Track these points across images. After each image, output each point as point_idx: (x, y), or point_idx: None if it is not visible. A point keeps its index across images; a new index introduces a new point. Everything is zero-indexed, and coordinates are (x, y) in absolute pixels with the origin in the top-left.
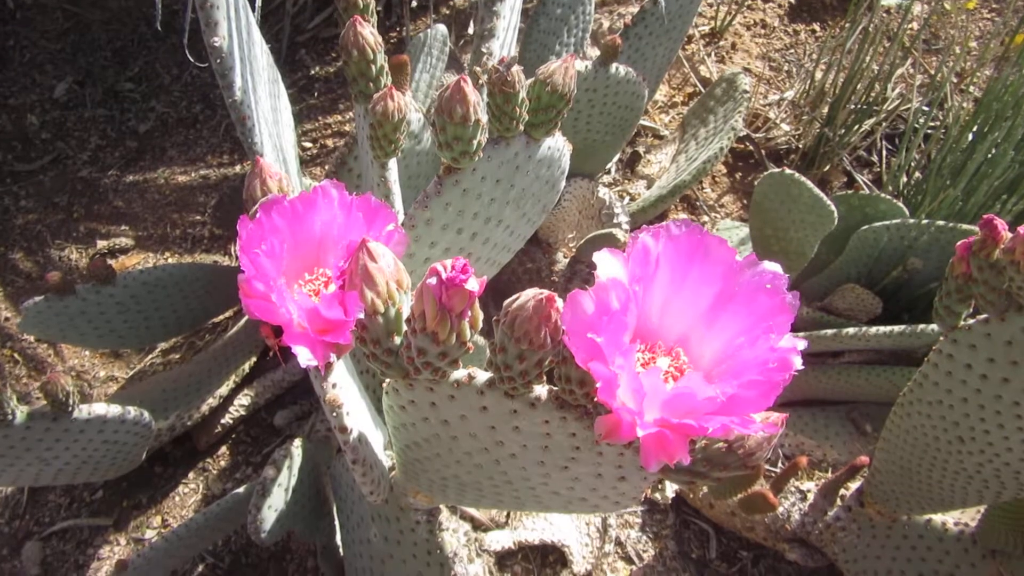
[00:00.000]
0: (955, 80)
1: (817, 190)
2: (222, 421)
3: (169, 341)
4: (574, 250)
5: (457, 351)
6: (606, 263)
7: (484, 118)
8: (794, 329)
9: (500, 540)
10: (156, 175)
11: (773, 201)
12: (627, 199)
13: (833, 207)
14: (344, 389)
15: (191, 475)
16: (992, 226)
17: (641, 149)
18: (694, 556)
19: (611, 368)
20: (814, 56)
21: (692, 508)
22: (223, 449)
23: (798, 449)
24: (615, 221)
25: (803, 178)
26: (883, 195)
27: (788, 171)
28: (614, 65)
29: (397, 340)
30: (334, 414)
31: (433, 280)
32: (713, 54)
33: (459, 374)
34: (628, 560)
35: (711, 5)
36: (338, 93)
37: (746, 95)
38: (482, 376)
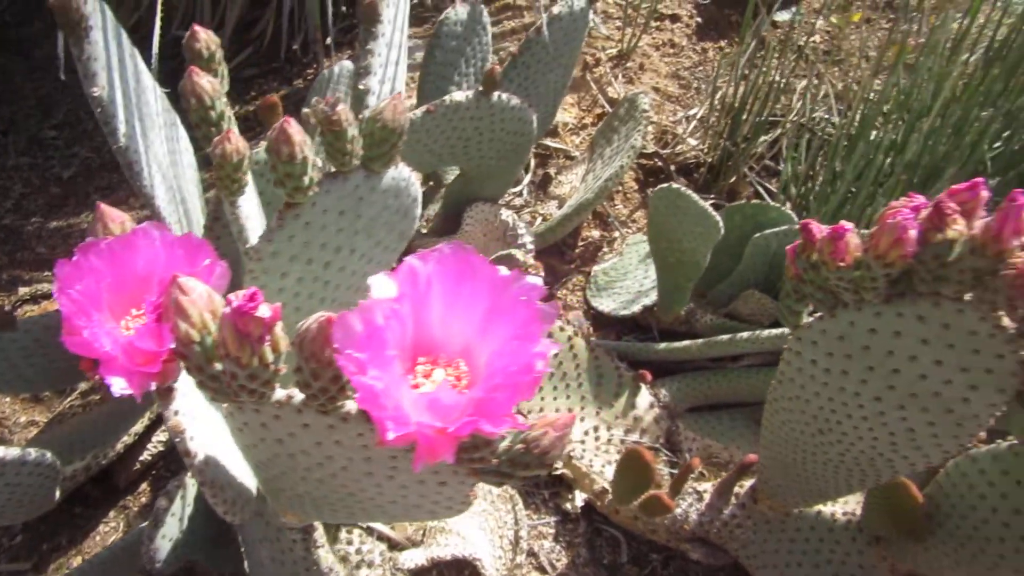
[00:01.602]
0: (855, 88)
1: (702, 202)
2: (140, 458)
3: (86, 382)
4: None
5: (264, 373)
6: (380, 285)
7: (312, 155)
8: (699, 335)
9: (414, 558)
10: (80, 220)
11: (664, 215)
12: (539, 219)
13: (717, 218)
14: (191, 415)
15: (112, 514)
16: (807, 229)
17: (552, 171)
18: (606, 562)
19: (367, 380)
20: (722, 72)
21: (602, 516)
22: (144, 486)
23: (706, 452)
24: (520, 242)
25: (688, 191)
26: (773, 203)
27: (675, 185)
28: (496, 94)
29: (218, 366)
30: (178, 439)
31: (227, 309)
32: (621, 75)
33: (279, 395)
34: (542, 570)
35: (618, 28)
36: (256, 131)
37: (646, 114)
38: (299, 395)
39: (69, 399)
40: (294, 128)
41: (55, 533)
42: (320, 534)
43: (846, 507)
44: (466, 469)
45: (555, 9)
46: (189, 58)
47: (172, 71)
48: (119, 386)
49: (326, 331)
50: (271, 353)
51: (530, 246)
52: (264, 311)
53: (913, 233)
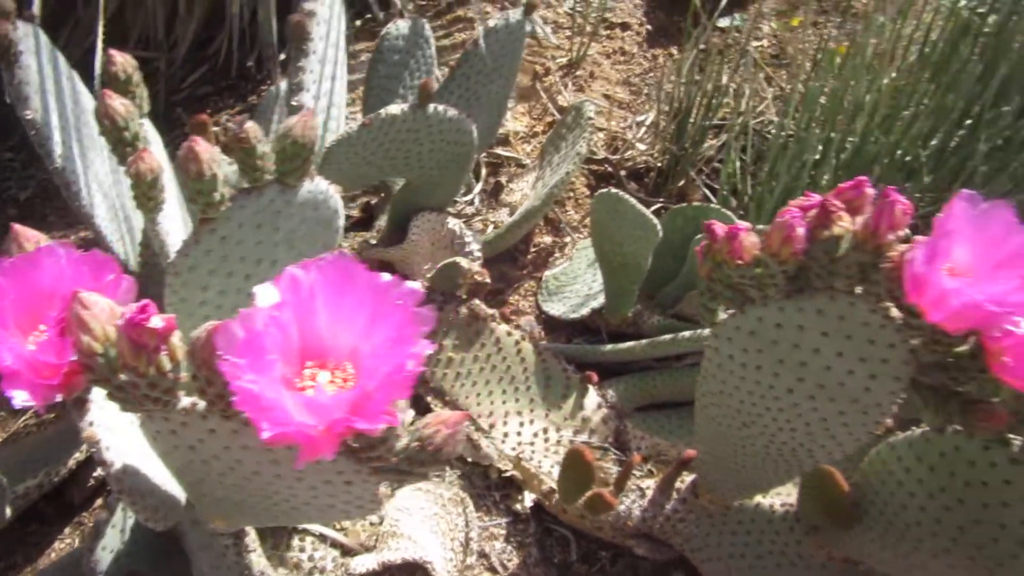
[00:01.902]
0: (802, 91)
1: (639, 206)
2: (95, 474)
3: None
4: (429, 280)
5: (164, 382)
6: (263, 294)
7: (221, 172)
8: (646, 336)
9: (365, 563)
10: None
11: (606, 219)
12: (491, 227)
13: (655, 221)
14: (106, 426)
15: (67, 531)
16: (710, 230)
17: (504, 179)
18: (556, 561)
19: (244, 383)
20: (672, 78)
21: (552, 516)
22: (99, 501)
23: (654, 450)
24: (467, 250)
25: (626, 196)
26: (713, 205)
27: (614, 190)
28: (432, 106)
29: (123, 377)
30: (94, 450)
31: (121, 321)
32: (571, 84)
33: (185, 402)
34: (493, 571)
35: (568, 38)
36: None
37: (591, 121)
38: (203, 402)
39: (23, 419)
40: (201, 147)
41: (10, 552)
42: (252, 539)
43: (784, 498)
44: (367, 468)
45: (491, 22)
46: (106, 81)
47: None
48: (20, 399)
49: (214, 339)
50: (168, 362)
51: (477, 253)
52: (156, 322)
53: (801, 231)
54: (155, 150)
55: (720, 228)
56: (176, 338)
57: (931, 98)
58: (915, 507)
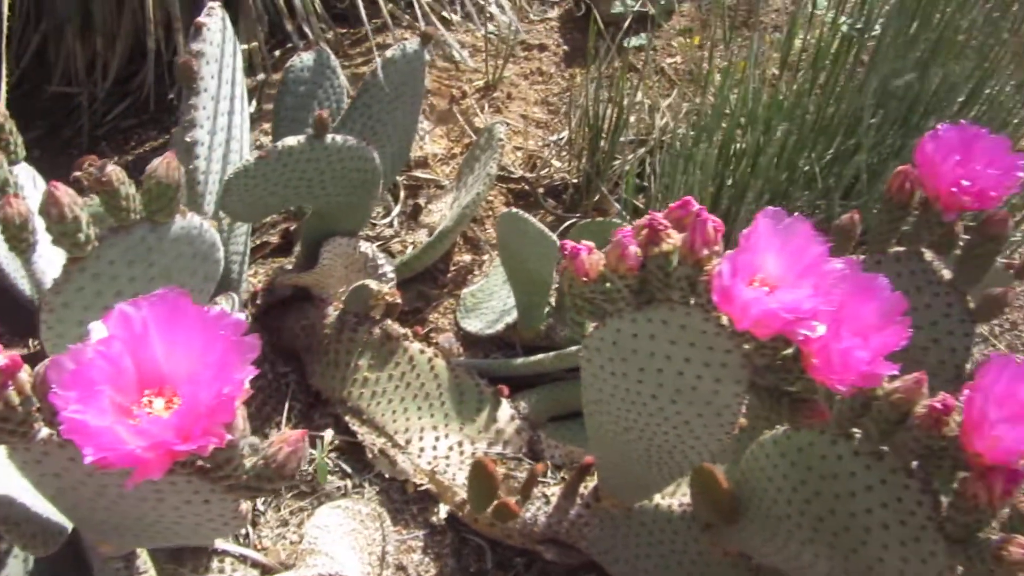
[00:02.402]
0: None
1: (539, 224)
2: None
3: None
4: (343, 302)
5: (15, 415)
6: (95, 329)
7: (83, 214)
8: (557, 348)
9: None
10: None
11: (510, 237)
12: (410, 248)
13: (554, 238)
14: None
15: None
16: (562, 248)
17: (423, 200)
18: (472, 570)
19: (69, 414)
20: (589, 96)
21: (467, 526)
22: None
23: (569, 458)
24: (380, 272)
25: (526, 215)
26: (616, 220)
27: (514, 210)
28: (330, 136)
29: None
30: None
31: None
32: (488, 106)
33: (43, 433)
34: None
35: (484, 61)
36: (137, 179)
37: (501, 142)
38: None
39: None
40: (61, 191)
41: None
42: (143, 560)
43: (682, 499)
44: (221, 486)
45: (388, 53)
46: None
47: (52, 127)
48: None
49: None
50: (16, 397)
51: (390, 275)
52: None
53: (633, 249)
54: (32, 193)
55: (573, 247)
56: (25, 373)
57: (818, 110)
58: (783, 501)
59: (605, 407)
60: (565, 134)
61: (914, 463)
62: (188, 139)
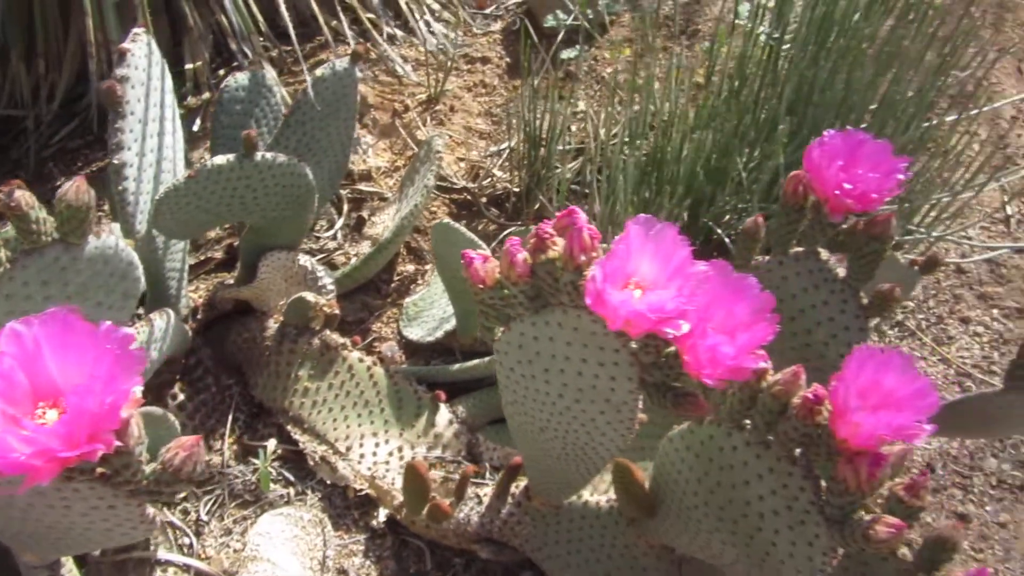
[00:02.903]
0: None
1: (468, 233)
2: None
3: None
4: (283, 315)
5: None
6: None
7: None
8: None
9: None
10: None
11: (443, 247)
12: (354, 260)
13: (482, 245)
14: None
15: None
16: (462, 256)
17: (366, 213)
18: (412, 571)
19: None
20: (520, 108)
21: (407, 529)
22: None
23: (506, 459)
24: (319, 284)
25: (456, 225)
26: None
27: (446, 220)
28: (260, 154)
29: None
30: None
31: None
32: (431, 119)
33: None
34: None
35: (428, 75)
36: None
37: (439, 155)
38: None
39: None
40: None
41: None
42: (68, 569)
43: (609, 495)
44: (124, 492)
45: (318, 71)
46: None
47: (0, 149)
48: None
49: None
50: None
51: (330, 287)
52: None
53: (521, 256)
54: None
55: (469, 256)
56: None
57: (739, 117)
58: (691, 492)
59: (521, 408)
60: (507, 145)
61: (797, 451)
62: (116, 161)
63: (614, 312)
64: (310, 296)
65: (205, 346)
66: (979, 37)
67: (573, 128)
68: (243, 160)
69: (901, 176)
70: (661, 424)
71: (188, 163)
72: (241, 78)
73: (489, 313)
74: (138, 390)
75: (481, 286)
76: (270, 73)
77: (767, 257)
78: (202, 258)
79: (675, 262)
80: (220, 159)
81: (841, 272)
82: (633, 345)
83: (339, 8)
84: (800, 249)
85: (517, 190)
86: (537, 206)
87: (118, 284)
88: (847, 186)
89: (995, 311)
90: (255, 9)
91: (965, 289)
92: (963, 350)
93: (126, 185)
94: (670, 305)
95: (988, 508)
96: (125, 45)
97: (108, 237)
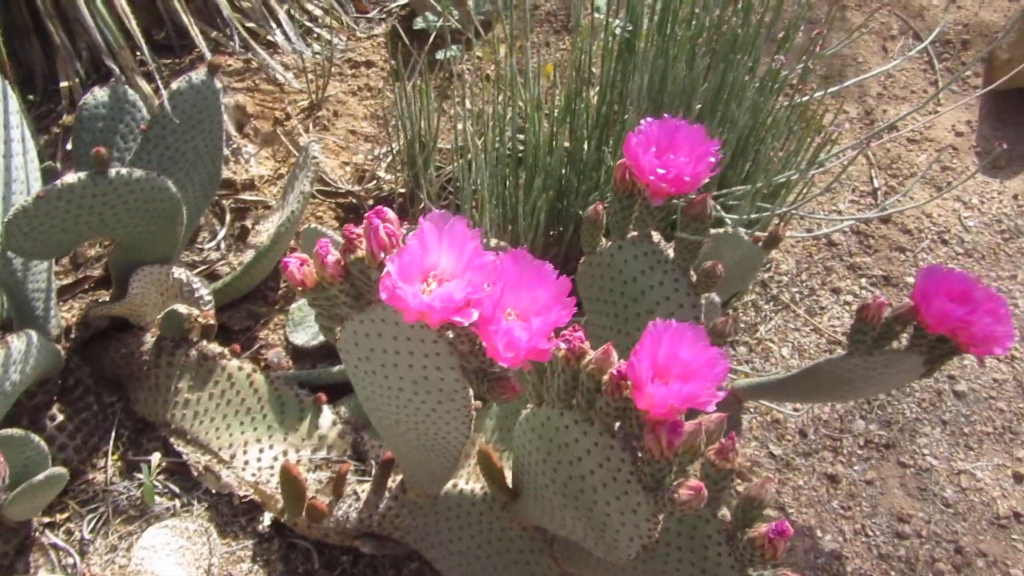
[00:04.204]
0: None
1: (338, 238)
2: None
3: None
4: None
5: None
6: None
7: None
8: None
9: None
10: None
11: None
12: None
13: None
14: None
15: None
16: (283, 264)
17: (250, 222)
18: (301, 571)
19: None
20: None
21: (292, 530)
22: None
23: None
24: (196, 296)
25: (323, 229)
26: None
27: (314, 225)
28: (115, 170)
29: None
30: None
31: None
32: (313, 125)
33: None
34: None
35: (310, 81)
36: None
37: (315, 160)
38: None
39: None
40: None
41: None
42: None
43: (482, 482)
44: None
45: (174, 85)
46: None
47: None
48: None
49: None
50: None
51: (208, 298)
52: None
53: (331, 257)
54: None
55: (281, 261)
56: None
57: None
58: (539, 472)
59: (374, 404)
60: (390, 147)
61: (617, 425)
62: None
63: (406, 306)
64: (182, 308)
65: (84, 364)
66: (845, 19)
67: (460, 127)
68: (96, 178)
69: (713, 159)
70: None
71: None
72: (100, 95)
73: (322, 314)
74: None
75: (301, 288)
76: (146, 86)
77: (608, 242)
78: (81, 276)
79: (467, 254)
80: (70, 178)
81: (671, 254)
82: (450, 335)
83: (218, 19)
84: (635, 233)
85: (403, 191)
86: (423, 206)
87: None
88: (660, 171)
89: (863, 280)
90: (132, 23)
91: (836, 261)
92: (834, 319)
93: None
94: (458, 295)
95: (856, 468)
96: None
97: None
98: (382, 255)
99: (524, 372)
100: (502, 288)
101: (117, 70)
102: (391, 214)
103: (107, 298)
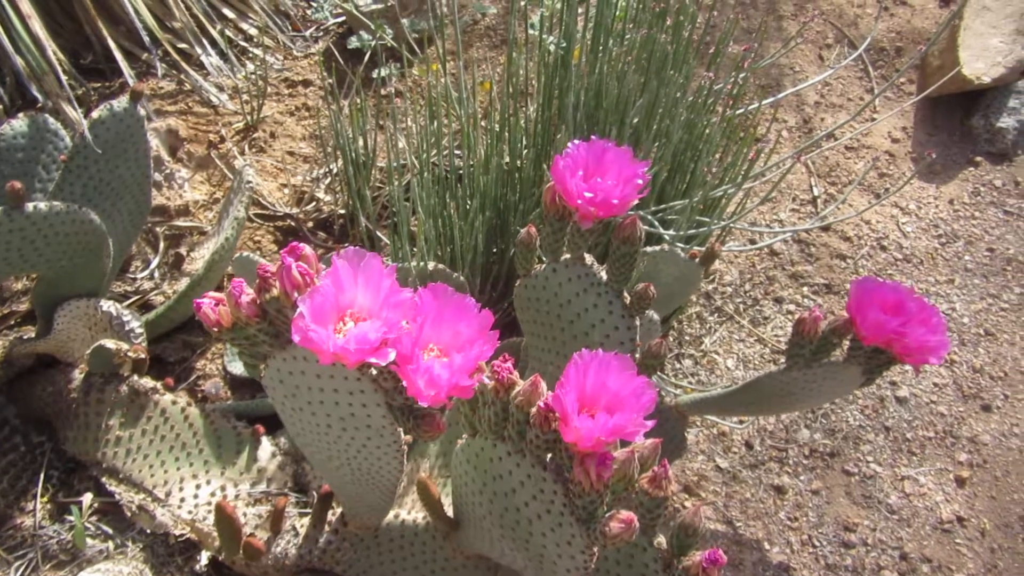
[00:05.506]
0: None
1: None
2: None
3: None
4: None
5: None
6: None
7: None
8: None
9: None
10: None
11: (248, 278)
12: (173, 298)
13: None
14: None
15: None
16: (196, 305)
17: (184, 249)
18: None
19: None
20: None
21: (230, 569)
22: None
23: None
24: (126, 329)
25: (255, 257)
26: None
27: (245, 253)
28: (31, 205)
29: None
30: None
31: None
32: (249, 147)
33: None
34: None
35: (244, 103)
36: None
37: (249, 184)
38: None
39: None
40: None
41: None
42: None
43: (424, 512)
44: None
45: (95, 113)
46: None
47: None
48: None
49: None
50: None
51: (139, 331)
52: None
53: (245, 298)
54: None
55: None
56: None
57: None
58: (476, 502)
59: (305, 440)
60: (328, 168)
61: (549, 456)
62: None
63: (319, 348)
64: (110, 343)
65: (9, 404)
66: (781, 28)
67: (402, 145)
68: (12, 213)
69: (640, 181)
70: None
71: None
72: (18, 124)
73: (243, 353)
74: None
75: (217, 329)
76: (72, 112)
77: (542, 264)
78: (5, 312)
79: (383, 291)
80: None
81: (604, 276)
82: (373, 372)
83: (148, 40)
84: (568, 256)
85: (343, 212)
86: (363, 227)
87: None
88: (588, 195)
89: (805, 288)
90: (52, 46)
91: (778, 270)
92: (778, 329)
93: None
94: (372, 336)
95: (802, 477)
96: None
97: None
98: (295, 294)
99: (458, 401)
100: (422, 324)
101: (41, 97)
102: (308, 250)
103: (33, 334)
